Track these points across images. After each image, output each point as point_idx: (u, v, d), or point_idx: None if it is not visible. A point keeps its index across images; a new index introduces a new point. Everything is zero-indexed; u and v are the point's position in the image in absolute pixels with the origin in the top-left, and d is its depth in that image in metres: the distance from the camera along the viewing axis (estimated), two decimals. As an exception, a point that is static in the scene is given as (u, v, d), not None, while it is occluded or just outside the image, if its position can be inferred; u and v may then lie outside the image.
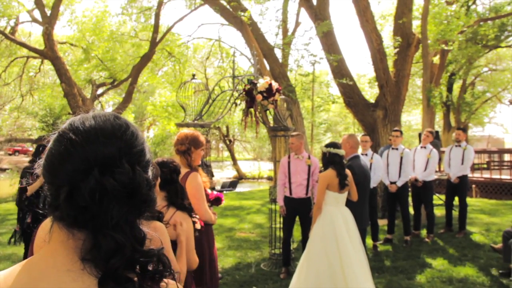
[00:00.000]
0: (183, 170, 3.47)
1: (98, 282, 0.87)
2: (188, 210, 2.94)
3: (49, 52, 13.27)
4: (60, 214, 0.90)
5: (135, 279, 0.90)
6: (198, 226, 3.09)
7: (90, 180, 0.87)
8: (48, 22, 13.29)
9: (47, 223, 1.88)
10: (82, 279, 0.87)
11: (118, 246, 0.87)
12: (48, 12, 13.88)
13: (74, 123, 0.94)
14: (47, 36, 13.12)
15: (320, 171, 5.06)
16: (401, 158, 7.60)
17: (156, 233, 1.03)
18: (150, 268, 0.93)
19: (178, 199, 2.90)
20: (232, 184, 7.24)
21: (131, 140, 0.95)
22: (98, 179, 0.87)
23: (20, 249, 7.56)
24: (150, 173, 0.99)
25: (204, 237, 3.66)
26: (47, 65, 20.28)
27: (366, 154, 7.45)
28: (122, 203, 0.89)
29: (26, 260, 0.94)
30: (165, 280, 0.96)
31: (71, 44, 18.55)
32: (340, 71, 11.37)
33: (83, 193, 0.87)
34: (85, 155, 0.89)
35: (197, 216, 3.18)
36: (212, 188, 4.99)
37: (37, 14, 15.85)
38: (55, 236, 0.93)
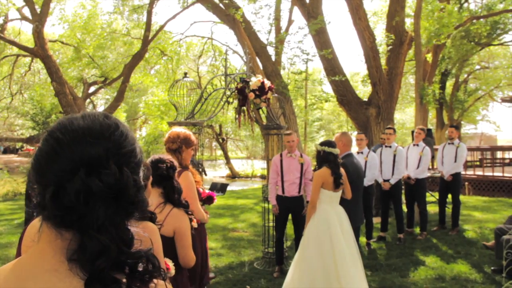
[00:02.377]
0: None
1: (85, 283, 0.86)
2: (185, 206, 2.91)
3: (39, 50, 13.11)
4: (48, 213, 0.89)
5: (124, 280, 0.89)
6: (195, 224, 3.07)
7: (76, 181, 0.86)
8: (38, 20, 13.13)
9: (35, 223, 1.84)
10: (69, 279, 0.87)
11: (103, 248, 0.86)
12: (38, 10, 13.71)
13: (62, 123, 0.93)
14: (37, 34, 12.95)
15: (314, 169, 5.03)
16: (394, 156, 7.59)
17: (146, 234, 1.02)
18: (140, 268, 0.92)
19: (175, 195, 2.89)
20: (222, 188, 7.15)
21: (119, 141, 0.94)
22: (84, 180, 0.86)
23: (9, 250, 7.50)
24: (141, 173, 0.98)
25: (196, 236, 3.63)
26: (38, 64, 20.12)
27: (362, 152, 7.44)
28: (108, 204, 0.88)
29: (15, 260, 0.94)
30: (154, 280, 0.94)
31: (62, 42, 18.38)
32: (333, 69, 11.35)
33: (69, 193, 0.85)
34: (72, 155, 0.88)
35: (193, 216, 3.16)
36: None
37: (26, 11, 15.68)
38: (44, 236, 0.91)
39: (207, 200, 4.29)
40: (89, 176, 0.86)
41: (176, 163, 3.03)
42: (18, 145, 38.57)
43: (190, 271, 3.43)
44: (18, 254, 1.91)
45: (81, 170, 0.87)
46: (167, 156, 3.02)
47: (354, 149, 6.52)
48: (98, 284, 0.86)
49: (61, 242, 0.89)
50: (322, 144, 4.94)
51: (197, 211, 3.59)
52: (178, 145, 3.72)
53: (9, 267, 0.91)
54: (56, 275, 0.87)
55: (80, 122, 0.92)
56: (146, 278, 0.92)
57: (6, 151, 40.47)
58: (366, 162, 7.27)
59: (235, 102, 5.98)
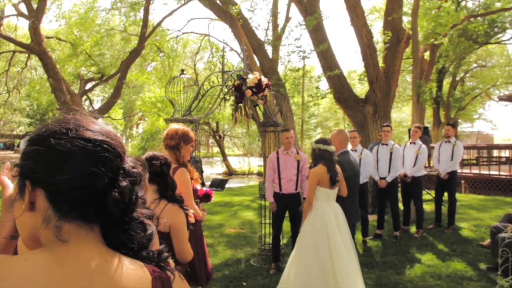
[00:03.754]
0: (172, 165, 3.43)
1: (150, 258, 0.99)
2: (179, 201, 2.92)
3: (36, 47, 13.06)
4: (81, 213, 0.93)
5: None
6: (192, 220, 3.07)
7: (131, 174, 0.98)
8: (35, 16, 13.07)
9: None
10: (108, 268, 0.92)
11: (145, 222, 1.01)
12: (35, 6, 13.65)
13: (99, 130, 0.97)
14: (34, 30, 12.90)
15: (310, 167, 5.04)
16: (391, 153, 7.60)
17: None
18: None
19: (169, 191, 2.91)
20: (221, 184, 7.18)
21: None
22: (131, 173, 0.99)
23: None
24: None
25: (190, 234, 3.62)
26: (34, 61, 20.00)
27: (356, 150, 7.44)
28: (140, 188, 1.01)
29: (44, 252, 0.93)
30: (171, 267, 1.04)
31: (59, 39, 18.30)
32: (330, 66, 11.35)
33: (125, 187, 0.95)
34: (122, 155, 0.98)
35: (191, 210, 3.16)
36: (202, 184, 4.94)
37: (23, 7, 15.61)
38: (75, 234, 0.94)
39: (204, 198, 4.27)
40: (133, 167, 1.00)
41: (171, 159, 3.03)
42: (17, 141, 38.48)
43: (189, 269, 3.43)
44: (15, 251, 1.88)
45: (127, 164, 0.99)
46: (161, 153, 3.02)
47: (349, 147, 6.53)
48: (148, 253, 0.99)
49: (92, 234, 0.95)
50: (317, 142, 4.96)
51: (192, 209, 3.58)
52: (176, 141, 3.71)
53: (45, 259, 0.91)
54: (94, 269, 0.91)
55: (104, 127, 1.00)
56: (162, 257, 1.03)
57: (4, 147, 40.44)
58: (360, 159, 7.28)
59: (232, 99, 5.98)
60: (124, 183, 0.95)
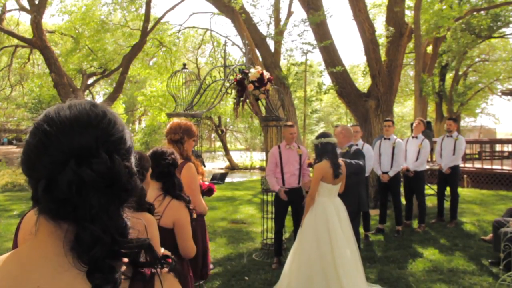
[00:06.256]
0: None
1: (86, 273, 0.86)
2: (185, 200, 2.92)
3: (37, 41, 13.05)
4: (43, 206, 0.89)
5: (123, 268, 0.91)
6: (194, 215, 3.08)
7: (67, 172, 0.85)
8: (36, 11, 13.05)
9: (31, 215, 1.83)
10: (71, 270, 0.87)
11: (97, 238, 0.86)
12: (36, 0, 13.62)
13: (49, 114, 0.91)
14: (36, 24, 12.88)
15: (315, 163, 5.03)
16: (393, 148, 7.59)
17: (142, 220, 1.04)
18: (142, 259, 0.94)
19: (176, 190, 2.91)
20: (221, 178, 7.18)
21: (108, 128, 0.92)
22: (75, 171, 0.85)
23: (9, 241, 7.51)
24: (132, 160, 0.97)
25: (198, 228, 3.63)
26: (38, 58, 19.99)
27: (357, 145, 7.44)
28: (101, 193, 0.87)
29: (13, 252, 0.94)
30: (159, 271, 0.96)
31: (61, 33, 18.28)
32: (332, 61, 11.31)
33: (61, 185, 0.85)
34: (61, 146, 0.87)
35: (196, 209, 3.16)
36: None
37: (24, 2, 15.59)
38: (42, 228, 0.91)
39: (207, 192, 4.29)
40: (80, 166, 0.86)
41: (177, 156, 3.02)
42: (23, 137, 38.57)
43: (191, 263, 3.44)
44: (15, 245, 1.89)
45: (71, 161, 0.86)
46: (170, 150, 3.01)
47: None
48: (97, 273, 0.86)
49: (61, 233, 0.89)
50: (317, 137, 4.97)
51: (199, 203, 3.58)
52: (180, 135, 3.71)
53: (9, 258, 0.92)
54: (61, 265, 0.88)
55: (66, 112, 0.91)
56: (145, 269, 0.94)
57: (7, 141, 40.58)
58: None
59: (234, 93, 5.97)
60: (85, 168, 0.86)
